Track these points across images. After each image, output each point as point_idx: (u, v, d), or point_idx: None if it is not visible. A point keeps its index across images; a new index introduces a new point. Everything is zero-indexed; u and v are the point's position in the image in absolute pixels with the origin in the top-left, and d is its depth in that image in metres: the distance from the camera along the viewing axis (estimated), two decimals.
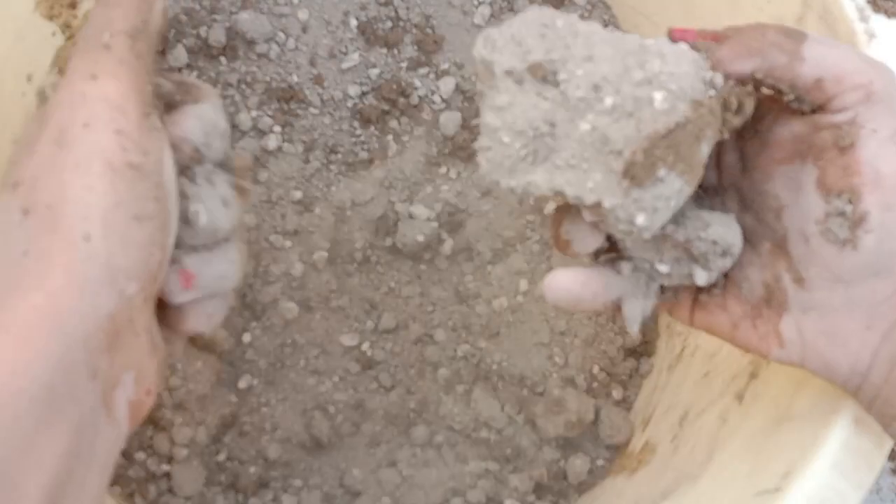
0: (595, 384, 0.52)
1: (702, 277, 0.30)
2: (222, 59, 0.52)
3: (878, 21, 0.38)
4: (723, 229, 0.30)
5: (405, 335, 0.52)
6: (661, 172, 0.26)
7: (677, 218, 0.29)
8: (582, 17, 0.56)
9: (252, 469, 0.47)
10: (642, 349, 0.54)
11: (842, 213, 0.27)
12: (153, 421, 0.47)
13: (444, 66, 0.55)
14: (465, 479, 0.50)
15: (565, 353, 0.53)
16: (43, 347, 0.23)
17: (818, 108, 0.29)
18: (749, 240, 0.32)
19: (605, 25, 0.56)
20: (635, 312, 0.31)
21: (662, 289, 0.32)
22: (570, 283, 0.32)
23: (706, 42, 0.29)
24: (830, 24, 0.38)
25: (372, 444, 0.50)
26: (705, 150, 0.27)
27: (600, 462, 0.51)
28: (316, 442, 0.49)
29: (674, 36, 0.30)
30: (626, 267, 0.31)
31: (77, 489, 0.24)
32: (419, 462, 0.50)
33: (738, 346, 0.33)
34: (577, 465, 0.50)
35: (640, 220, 0.27)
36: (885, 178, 0.27)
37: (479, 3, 0.55)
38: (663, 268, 0.30)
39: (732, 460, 0.38)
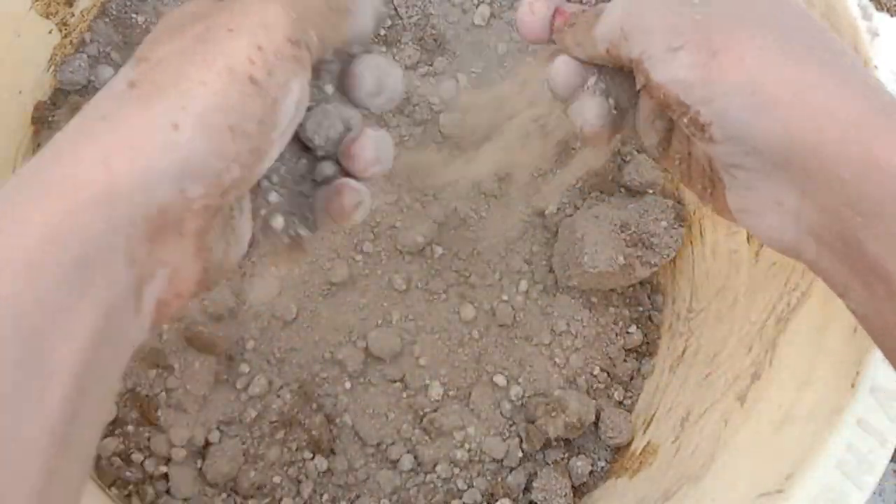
0: (596, 385, 0.52)
1: None
2: None
3: (881, 19, 0.38)
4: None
5: (406, 333, 0.51)
6: None
7: None
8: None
9: (252, 472, 0.47)
10: (644, 350, 0.53)
11: (686, 124, 0.29)
12: (151, 422, 0.46)
13: (445, 65, 0.54)
14: (463, 480, 0.50)
15: (566, 354, 0.52)
16: (85, 222, 0.22)
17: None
18: None
19: None
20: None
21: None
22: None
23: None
24: (833, 21, 0.38)
25: (371, 445, 0.50)
26: None
27: (602, 463, 0.51)
28: (315, 444, 0.48)
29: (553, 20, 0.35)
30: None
31: (102, 373, 0.23)
32: (418, 463, 0.50)
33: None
34: (579, 466, 0.50)
35: None
36: (685, 82, 0.29)
37: (479, 3, 0.55)
38: None
39: (735, 462, 0.38)
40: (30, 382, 0.21)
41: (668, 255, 0.51)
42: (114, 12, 0.50)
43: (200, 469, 0.47)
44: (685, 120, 0.29)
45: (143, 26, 0.50)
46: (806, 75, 0.27)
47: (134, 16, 0.50)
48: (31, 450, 0.21)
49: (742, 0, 0.30)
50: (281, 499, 0.47)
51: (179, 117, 0.24)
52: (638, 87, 0.31)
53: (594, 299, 0.53)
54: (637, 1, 0.31)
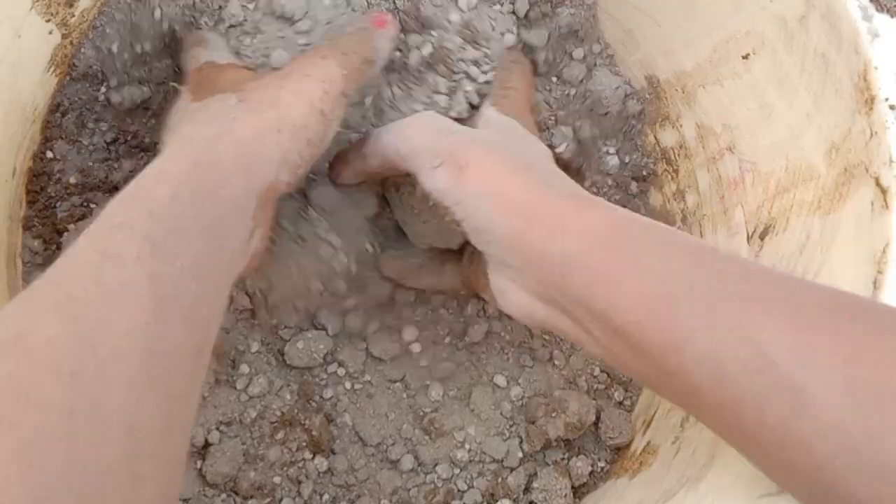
0: (596, 385, 0.52)
1: None
2: None
3: (882, 20, 0.38)
4: None
5: (404, 335, 0.52)
6: None
7: None
8: (585, 17, 0.55)
9: (252, 472, 0.47)
10: None
11: (449, 221, 0.38)
12: None
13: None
14: (463, 481, 0.50)
15: (566, 355, 0.52)
16: (230, 189, 0.34)
17: None
18: None
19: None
20: None
21: None
22: None
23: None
24: (833, 23, 0.38)
25: (371, 445, 0.50)
26: None
27: (601, 464, 0.51)
28: (315, 444, 0.48)
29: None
30: None
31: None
32: (419, 463, 0.50)
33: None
34: (579, 466, 0.50)
35: None
36: (443, 190, 0.38)
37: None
38: None
39: (734, 463, 0.38)
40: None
41: None
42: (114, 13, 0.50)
43: (200, 469, 0.47)
44: (447, 218, 0.38)
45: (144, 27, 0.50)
46: (518, 180, 0.36)
47: (135, 17, 0.50)
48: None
49: (483, 131, 0.41)
50: (281, 499, 0.48)
51: (281, 126, 0.36)
52: (418, 193, 0.42)
53: None
54: (406, 129, 0.41)
